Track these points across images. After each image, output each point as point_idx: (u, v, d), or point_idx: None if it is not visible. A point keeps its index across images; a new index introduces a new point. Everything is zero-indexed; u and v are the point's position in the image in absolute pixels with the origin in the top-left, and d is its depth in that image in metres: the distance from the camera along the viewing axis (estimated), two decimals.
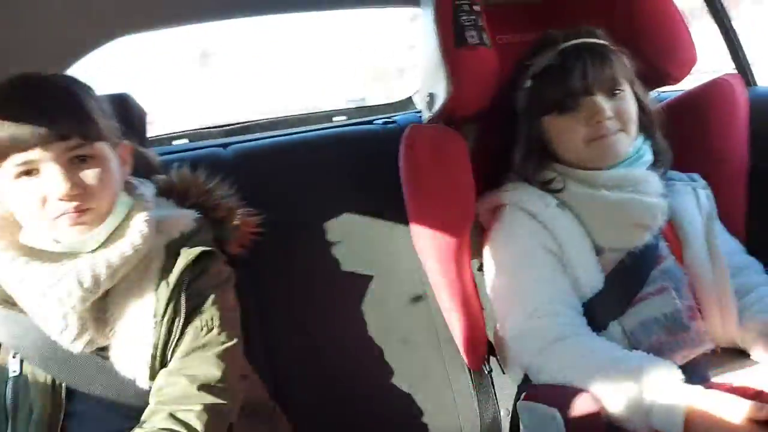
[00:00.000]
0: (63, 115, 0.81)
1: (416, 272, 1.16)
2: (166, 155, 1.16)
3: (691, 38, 1.20)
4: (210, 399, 0.83)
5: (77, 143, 0.82)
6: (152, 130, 1.17)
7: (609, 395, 0.86)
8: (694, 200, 1.10)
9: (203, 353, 0.86)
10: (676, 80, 1.22)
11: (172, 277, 0.86)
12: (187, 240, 0.90)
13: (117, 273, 0.84)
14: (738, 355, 1.02)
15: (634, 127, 1.06)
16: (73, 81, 0.88)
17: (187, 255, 0.88)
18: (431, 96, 1.14)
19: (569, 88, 1.02)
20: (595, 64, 1.02)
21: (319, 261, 1.23)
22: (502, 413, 1.19)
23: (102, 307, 0.86)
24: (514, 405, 1.02)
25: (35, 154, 0.80)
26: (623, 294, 1.00)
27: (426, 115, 1.19)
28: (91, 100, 0.86)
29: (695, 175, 1.14)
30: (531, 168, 1.08)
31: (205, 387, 0.83)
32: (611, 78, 1.03)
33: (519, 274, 1.02)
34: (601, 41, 1.06)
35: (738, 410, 0.78)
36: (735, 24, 1.40)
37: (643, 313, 0.99)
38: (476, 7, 1.10)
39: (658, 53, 1.17)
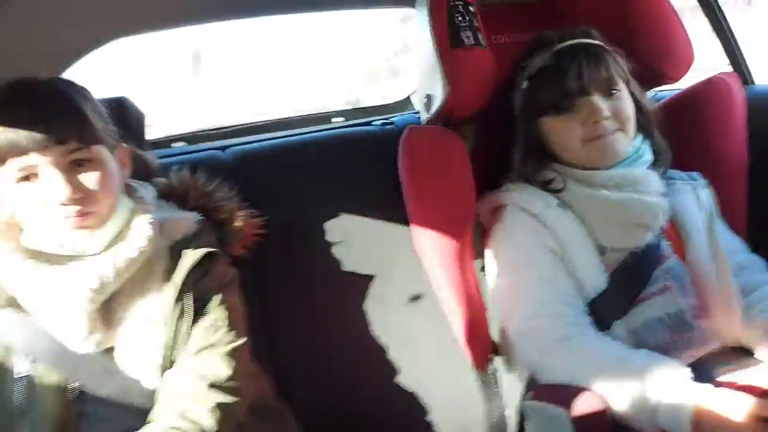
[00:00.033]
0: (60, 120, 0.82)
1: (418, 272, 1.16)
2: (164, 158, 1.16)
3: (688, 38, 1.20)
4: (220, 397, 0.84)
5: (75, 147, 0.83)
6: (148, 133, 1.17)
7: (615, 394, 0.87)
8: (695, 199, 1.10)
9: (212, 352, 0.87)
10: (673, 80, 1.23)
11: (178, 278, 0.87)
12: (190, 242, 0.91)
13: (122, 275, 0.85)
14: (743, 353, 1.02)
15: (631, 126, 1.06)
16: (70, 84, 0.89)
17: (191, 256, 0.89)
18: (429, 97, 1.15)
19: (565, 89, 1.02)
20: (590, 65, 1.03)
21: (320, 262, 1.23)
22: (507, 413, 1.19)
23: (108, 308, 0.87)
24: (520, 404, 1.03)
25: (33, 158, 0.80)
26: (626, 294, 1.01)
27: (424, 116, 1.19)
28: (88, 103, 0.87)
29: (695, 174, 1.14)
30: (530, 168, 1.08)
31: (214, 385, 0.85)
32: (607, 78, 1.04)
33: (521, 274, 1.03)
34: (597, 41, 1.07)
35: (745, 408, 0.78)
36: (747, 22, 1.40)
37: (646, 312, 1.00)
38: (471, 8, 1.11)
39: (654, 53, 1.18)
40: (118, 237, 0.86)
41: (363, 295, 1.23)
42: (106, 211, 0.86)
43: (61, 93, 0.85)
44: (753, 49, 1.44)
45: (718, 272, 1.03)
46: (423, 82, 1.17)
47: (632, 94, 1.08)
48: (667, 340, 0.98)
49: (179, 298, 0.87)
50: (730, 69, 1.43)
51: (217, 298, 0.89)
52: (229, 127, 1.52)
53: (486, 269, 1.12)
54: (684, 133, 1.17)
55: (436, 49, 1.09)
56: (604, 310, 0.99)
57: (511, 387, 1.15)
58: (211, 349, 0.87)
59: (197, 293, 0.88)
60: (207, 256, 0.90)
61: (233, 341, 0.88)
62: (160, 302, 0.87)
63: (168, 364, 0.87)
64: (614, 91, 1.04)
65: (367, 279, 1.24)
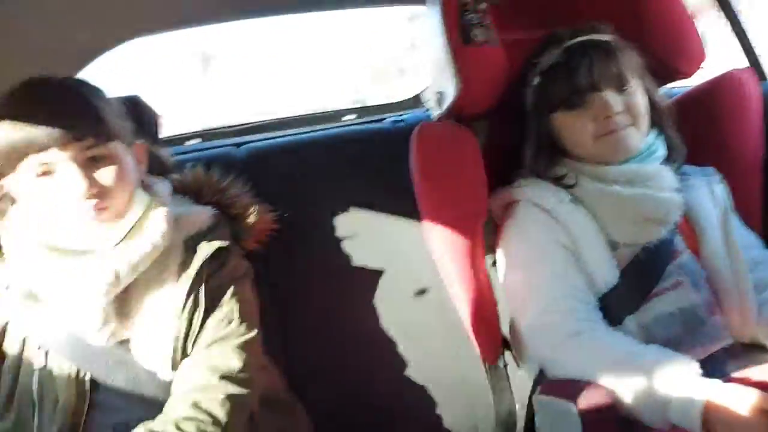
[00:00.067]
0: (77, 117, 0.84)
1: (429, 268, 1.17)
2: (179, 155, 1.18)
3: (698, 35, 1.19)
4: (231, 389, 0.86)
5: (92, 143, 0.85)
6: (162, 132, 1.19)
7: (625, 389, 0.87)
8: (710, 194, 1.09)
9: (224, 345, 0.88)
10: (686, 76, 1.22)
11: (192, 271, 0.89)
12: (204, 236, 0.93)
13: (137, 268, 0.86)
14: (757, 350, 1.01)
15: (644, 122, 1.06)
16: (84, 84, 0.91)
17: (205, 249, 0.90)
18: (440, 94, 1.15)
19: (575, 85, 1.03)
20: (601, 61, 1.03)
21: (333, 257, 1.25)
22: (517, 407, 1.19)
23: (124, 300, 0.88)
24: (530, 399, 1.03)
25: (51, 155, 0.82)
26: (638, 289, 1.00)
27: (435, 113, 1.20)
28: (102, 101, 0.89)
29: (710, 169, 1.13)
30: (542, 164, 1.08)
31: (226, 377, 0.86)
32: (618, 74, 1.03)
33: (533, 270, 1.03)
34: (608, 38, 1.07)
35: (756, 404, 0.78)
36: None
37: (658, 308, 0.99)
38: (482, 5, 1.11)
39: (666, 50, 1.17)
40: (134, 231, 0.88)
41: (375, 291, 1.25)
42: (123, 206, 0.88)
43: (77, 91, 0.87)
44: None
45: (732, 268, 1.02)
46: (434, 79, 1.18)
47: (646, 90, 1.07)
48: (679, 335, 0.97)
49: (193, 290, 0.88)
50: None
51: (230, 291, 0.91)
52: (243, 124, 1.55)
53: (497, 264, 1.12)
54: (699, 129, 1.16)
55: (448, 46, 1.09)
56: (616, 306, 0.99)
57: (521, 382, 1.16)
58: (223, 341, 0.89)
59: (211, 286, 0.90)
60: (221, 250, 0.91)
61: (245, 334, 0.90)
62: (174, 295, 0.88)
63: (181, 355, 0.89)
64: (626, 87, 1.04)
65: (379, 274, 1.25)
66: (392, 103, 1.68)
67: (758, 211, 1.18)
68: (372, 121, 1.51)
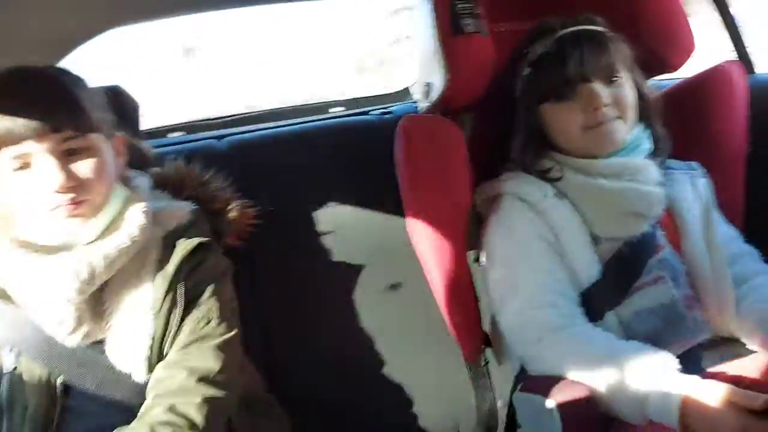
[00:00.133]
0: (55, 108, 0.82)
1: (412, 263, 1.16)
2: (160, 148, 1.17)
3: (689, 25, 1.20)
4: (209, 391, 0.84)
5: (70, 135, 0.83)
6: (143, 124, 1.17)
7: (604, 385, 0.87)
8: (692, 189, 1.10)
9: (202, 345, 0.87)
10: (675, 68, 1.22)
11: (170, 268, 0.87)
12: (184, 232, 0.91)
13: (114, 265, 0.85)
14: (735, 344, 1.02)
15: (632, 114, 1.06)
16: (65, 73, 0.89)
17: (184, 246, 0.89)
18: (428, 85, 1.15)
19: (566, 76, 1.02)
20: (592, 52, 1.02)
21: (316, 252, 1.24)
22: (499, 404, 1.20)
23: (99, 299, 0.87)
24: (511, 396, 1.04)
25: (28, 146, 0.81)
26: (620, 284, 1.01)
27: (423, 105, 1.19)
28: (83, 92, 0.87)
29: (694, 164, 1.14)
30: (529, 157, 1.08)
31: (204, 379, 0.84)
32: (608, 65, 1.03)
33: (515, 265, 1.03)
34: (599, 28, 1.07)
35: (733, 400, 0.78)
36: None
37: (639, 303, 1.00)
38: None
39: (657, 40, 1.17)
40: (112, 226, 0.87)
41: (357, 286, 1.24)
42: (100, 200, 0.86)
43: (57, 81, 0.85)
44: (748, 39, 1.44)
45: (712, 263, 1.03)
46: (423, 71, 1.17)
47: (634, 82, 1.07)
48: (659, 330, 0.98)
49: (170, 288, 0.87)
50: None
51: (209, 290, 0.89)
52: (226, 116, 1.53)
53: (481, 259, 1.12)
54: (685, 122, 1.17)
55: (437, 36, 1.08)
56: (598, 300, 0.99)
57: (502, 378, 1.16)
58: (201, 341, 0.87)
59: (189, 284, 0.88)
60: (200, 247, 0.90)
61: (224, 334, 0.88)
62: (151, 294, 0.87)
63: (157, 357, 0.87)
64: (615, 78, 1.04)
65: (362, 270, 1.25)
66: (380, 95, 1.67)
67: (740, 205, 1.19)
68: (359, 113, 1.50)
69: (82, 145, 0.84)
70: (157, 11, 1.34)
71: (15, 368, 0.86)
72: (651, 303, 0.99)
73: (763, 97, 1.25)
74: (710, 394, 0.80)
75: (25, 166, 0.82)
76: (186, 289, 0.88)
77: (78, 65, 1.21)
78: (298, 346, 1.20)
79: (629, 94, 1.05)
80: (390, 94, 1.66)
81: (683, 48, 1.19)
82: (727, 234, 1.10)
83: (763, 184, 1.19)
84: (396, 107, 1.49)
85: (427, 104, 1.16)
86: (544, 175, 1.07)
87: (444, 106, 1.14)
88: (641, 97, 1.08)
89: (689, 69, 1.24)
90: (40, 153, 0.81)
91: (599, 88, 1.02)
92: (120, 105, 1.04)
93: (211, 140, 1.33)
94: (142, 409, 0.84)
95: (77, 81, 0.88)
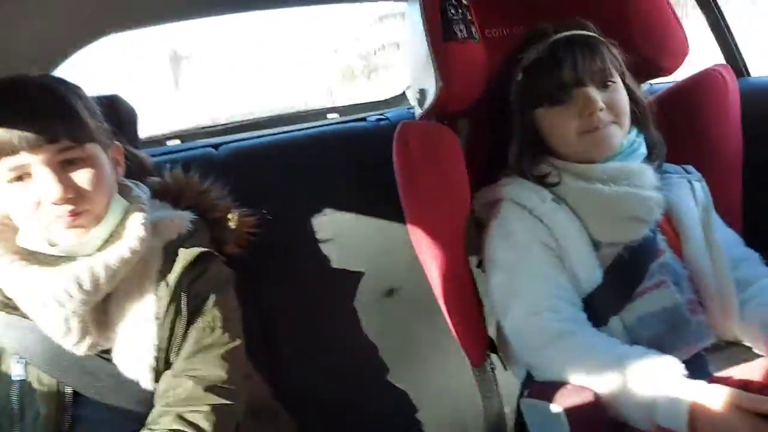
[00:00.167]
0: (52, 118, 0.81)
1: (413, 269, 1.17)
2: (157, 156, 1.17)
3: (683, 29, 1.21)
4: (217, 400, 0.85)
5: (67, 146, 0.82)
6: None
7: (612, 391, 0.87)
8: (690, 193, 1.10)
9: (207, 354, 0.87)
10: (668, 72, 1.23)
11: (172, 278, 0.87)
12: (184, 241, 0.91)
13: (116, 275, 0.85)
14: (740, 348, 1.02)
15: (626, 119, 1.06)
16: (62, 82, 0.88)
17: (185, 256, 0.89)
18: (422, 92, 1.15)
19: (560, 80, 1.03)
20: (585, 56, 1.03)
21: (315, 259, 1.24)
22: (506, 410, 1.20)
23: (103, 309, 0.87)
24: (518, 402, 1.03)
25: (24, 158, 0.80)
26: (622, 289, 1.01)
27: (418, 111, 1.19)
28: (80, 101, 0.86)
29: (690, 168, 1.14)
30: (526, 162, 1.08)
31: (211, 388, 0.85)
32: (602, 70, 1.04)
33: (517, 270, 1.03)
34: (592, 33, 1.07)
35: (742, 404, 0.78)
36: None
37: (642, 307, 1.00)
38: (464, 1, 1.11)
39: (649, 45, 1.18)
40: (112, 237, 0.86)
41: (359, 292, 1.24)
42: (100, 210, 0.86)
43: (53, 91, 0.84)
44: (758, 42, 1.44)
45: (714, 266, 1.03)
46: (416, 77, 1.18)
47: (627, 87, 1.08)
48: (663, 335, 0.98)
49: (174, 298, 0.87)
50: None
51: (212, 299, 0.89)
52: (223, 124, 1.53)
53: (483, 265, 1.12)
54: (679, 126, 1.18)
55: (429, 42, 1.09)
56: (601, 305, 1.00)
57: (509, 384, 1.16)
58: (206, 351, 0.87)
59: (192, 293, 0.88)
60: (201, 256, 0.90)
61: (229, 343, 0.89)
62: (154, 303, 0.87)
63: (164, 366, 0.87)
64: (609, 83, 1.05)
65: (363, 276, 1.25)
66: (376, 101, 1.67)
67: (738, 208, 1.19)
68: (355, 120, 1.50)
69: (80, 156, 0.84)
70: (151, 18, 1.34)
71: (25, 378, 0.85)
72: (654, 308, 0.99)
73: (754, 101, 1.26)
74: (718, 398, 0.80)
75: (22, 177, 0.81)
76: (189, 299, 0.87)
77: (66, 74, 1.21)
78: (302, 353, 1.19)
79: (623, 99, 1.06)
80: (386, 100, 1.67)
81: (676, 52, 1.20)
82: (727, 238, 1.10)
83: (758, 188, 1.20)
84: (392, 113, 1.50)
85: (422, 110, 1.17)
86: (541, 181, 1.07)
87: (439, 112, 1.15)
88: (635, 101, 1.09)
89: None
90: (37, 164, 0.80)
91: (593, 92, 1.02)
92: (117, 114, 1.03)
93: (209, 148, 1.32)
94: (150, 417, 0.84)
95: (74, 90, 0.87)
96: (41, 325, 0.85)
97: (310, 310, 1.22)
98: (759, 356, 0.98)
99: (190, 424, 0.82)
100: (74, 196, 0.82)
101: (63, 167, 0.83)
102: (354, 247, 1.25)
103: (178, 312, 0.87)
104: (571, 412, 0.86)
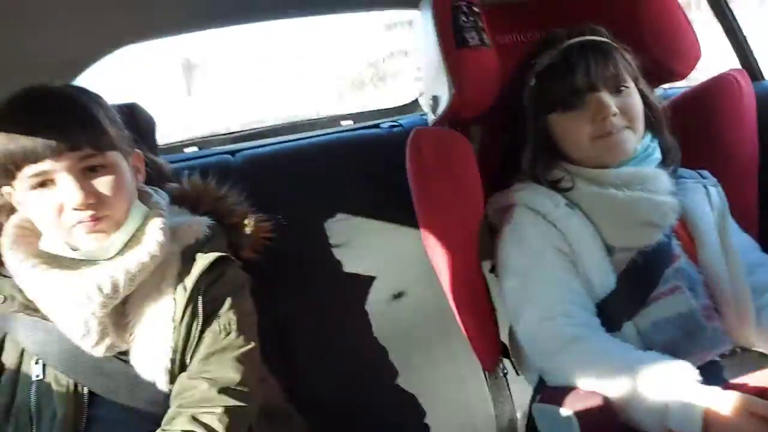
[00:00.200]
0: (74, 127, 0.83)
1: (427, 274, 1.17)
2: (176, 163, 1.19)
3: (695, 33, 1.20)
4: (230, 402, 0.85)
5: (89, 153, 0.84)
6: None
7: (625, 397, 0.87)
8: (706, 198, 1.10)
9: (222, 357, 0.88)
10: (681, 76, 1.23)
11: (189, 282, 0.89)
12: (202, 246, 0.93)
13: (135, 279, 0.86)
14: (756, 355, 1.01)
15: (640, 124, 1.06)
16: (83, 91, 0.91)
17: (203, 260, 0.90)
18: (435, 98, 1.16)
19: (573, 86, 1.03)
20: (598, 62, 1.03)
21: (329, 264, 1.25)
22: (518, 415, 1.20)
23: (122, 312, 0.89)
24: (530, 407, 1.03)
25: (47, 165, 0.82)
26: (636, 294, 1.00)
27: (431, 118, 1.20)
28: (102, 110, 0.88)
29: (705, 172, 1.14)
30: (540, 167, 1.08)
31: (225, 390, 0.86)
32: (615, 75, 1.04)
33: (530, 275, 1.03)
34: (605, 39, 1.07)
35: (757, 411, 0.78)
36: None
37: (656, 313, 0.99)
38: (475, 8, 1.11)
39: (662, 50, 1.18)
40: (132, 242, 0.88)
41: (372, 297, 1.25)
42: (120, 216, 0.87)
43: (75, 100, 0.87)
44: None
45: (730, 272, 1.02)
46: (429, 84, 1.18)
47: (641, 92, 1.08)
48: (678, 340, 0.97)
49: (191, 301, 0.88)
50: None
51: (227, 302, 0.91)
52: (240, 131, 1.55)
53: (496, 270, 1.12)
54: (694, 131, 1.17)
55: (441, 50, 1.09)
56: (614, 311, 0.99)
57: (521, 389, 1.16)
58: (221, 353, 0.88)
59: (209, 297, 0.90)
60: (219, 261, 0.91)
61: (243, 346, 0.90)
62: (171, 306, 0.88)
63: (179, 368, 0.88)
64: (623, 88, 1.05)
65: (377, 280, 1.25)
66: (389, 108, 1.68)
67: (754, 213, 1.18)
68: (369, 127, 1.52)
69: (101, 163, 0.86)
70: (170, 28, 1.36)
71: (42, 378, 0.87)
72: (669, 313, 0.99)
73: None
74: (733, 405, 0.79)
75: (45, 183, 0.83)
76: (205, 302, 0.89)
77: (82, 83, 1.24)
78: (316, 357, 1.20)
79: (637, 104, 1.06)
80: (399, 107, 1.68)
81: (688, 56, 1.20)
82: (743, 243, 1.09)
83: None
84: (405, 120, 1.51)
85: (435, 117, 1.17)
86: (555, 186, 1.07)
87: (452, 119, 1.15)
88: (649, 106, 1.09)
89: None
90: (60, 171, 0.83)
91: (607, 97, 1.02)
92: (137, 122, 1.05)
93: (226, 155, 1.35)
94: (165, 418, 0.85)
95: (96, 99, 0.90)
96: (61, 327, 0.87)
97: (324, 315, 1.23)
98: None
99: (203, 425, 0.83)
100: (95, 202, 0.84)
101: (85, 174, 0.85)
102: (368, 252, 1.26)
103: (194, 315, 0.88)
104: (582, 417, 0.86)
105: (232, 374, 0.87)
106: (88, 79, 1.28)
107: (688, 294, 1.00)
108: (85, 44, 1.24)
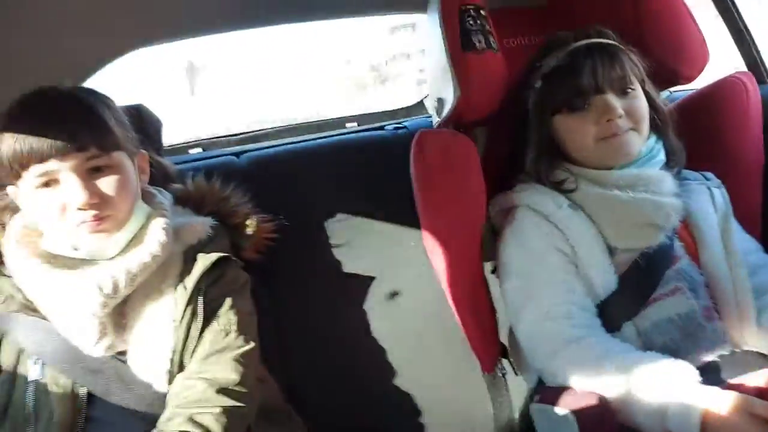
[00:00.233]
0: (80, 128, 0.85)
1: (428, 275, 1.17)
2: (181, 164, 1.20)
3: (702, 36, 1.20)
4: (228, 402, 0.85)
5: (94, 154, 0.85)
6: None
7: (624, 397, 0.87)
8: (709, 199, 1.09)
9: (221, 357, 0.88)
10: (688, 80, 1.22)
11: (190, 282, 0.89)
12: (204, 246, 0.93)
13: (136, 279, 0.87)
14: (756, 356, 1.00)
15: (645, 126, 1.06)
16: (91, 93, 0.92)
17: (204, 260, 0.91)
18: (440, 101, 1.16)
19: (579, 87, 1.03)
20: (605, 64, 1.03)
21: (332, 265, 1.26)
22: (516, 415, 1.20)
23: (121, 312, 0.89)
24: (529, 407, 1.03)
25: (53, 165, 0.83)
26: (637, 295, 1.00)
27: (436, 120, 1.20)
28: (108, 111, 0.90)
29: (709, 174, 1.14)
30: (543, 168, 1.08)
31: (223, 390, 0.86)
32: (622, 77, 1.04)
33: (532, 276, 1.03)
34: (612, 41, 1.07)
35: (756, 412, 0.77)
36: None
37: (657, 314, 0.99)
38: (483, 12, 1.12)
39: (668, 53, 1.18)
40: (134, 241, 0.89)
41: (373, 298, 1.25)
42: (123, 216, 0.88)
43: (82, 101, 0.88)
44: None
45: (731, 274, 1.02)
46: (434, 86, 1.19)
47: (647, 94, 1.08)
48: (678, 341, 0.97)
49: (191, 302, 0.89)
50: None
51: (228, 303, 0.91)
52: (245, 133, 1.56)
53: (498, 271, 1.12)
54: (699, 133, 1.16)
55: (448, 52, 1.10)
56: (615, 312, 0.99)
57: (520, 389, 1.16)
58: (220, 353, 0.88)
59: (209, 297, 0.90)
60: (220, 261, 0.92)
61: (243, 346, 0.90)
62: (171, 306, 0.89)
63: (178, 367, 0.89)
64: (629, 90, 1.05)
65: (379, 282, 1.26)
66: (394, 110, 1.69)
67: (758, 215, 1.18)
68: (373, 129, 1.52)
69: (107, 163, 0.87)
70: (179, 32, 1.38)
71: (41, 378, 0.88)
72: (669, 314, 0.99)
73: None
74: (732, 406, 0.79)
75: (49, 183, 0.85)
76: (206, 302, 0.89)
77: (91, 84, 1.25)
78: (315, 357, 1.21)
79: (642, 106, 1.06)
80: (404, 108, 1.69)
81: (695, 60, 1.19)
82: (746, 244, 1.09)
83: None
84: (410, 122, 1.51)
85: (440, 119, 1.18)
86: (558, 187, 1.07)
87: (457, 121, 1.16)
88: (655, 108, 1.09)
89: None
90: (65, 171, 0.84)
91: (613, 99, 1.02)
92: (143, 123, 1.07)
93: (231, 156, 1.36)
94: (162, 418, 0.85)
95: (103, 100, 0.91)
96: (59, 327, 0.88)
97: (324, 315, 1.23)
98: None
99: (200, 425, 0.82)
100: (99, 202, 0.85)
101: (90, 174, 0.86)
102: (368, 253, 1.27)
103: (194, 315, 0.89)
104: (581, 418, 0.86)
105: (230, 374, 0.87)
106: (93, 82, 1.29)
107: (689, 295, 1.00)
108: (94, 48, 1.25)
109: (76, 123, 0.85)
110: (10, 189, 0.89)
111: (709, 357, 0.98)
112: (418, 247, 1.17)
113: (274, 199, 1.11)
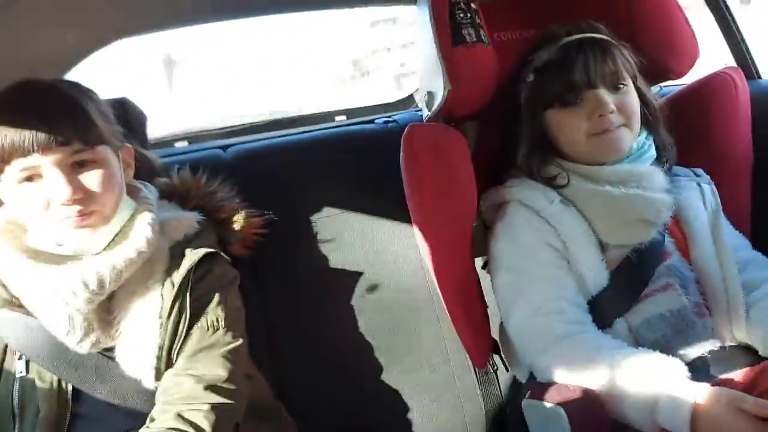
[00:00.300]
0: (63, 121, 0.83)
1: (419, 271, 1.17)
2: (166, 158, 1.18)
3: (693, 32, 1.21)
4: (217, 399, 0.85)
5: (78, 148, 0.84)
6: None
7: (614, 392, 0.88)
8: (699, 195, 1.11)
9: (209, 353, 0.88)
10: (679, 75, 1.23)
11: (177, 278, 0.89)
12: (190, 242, 0.92)
13: (122, 275, 0.86)
14: (746, 352, 1.02)
15: (637, 121, 1.07)
16: (74, 85, 0.90)
17: (191, 256, 0.90)
18: (430, 94, 1.15)
19: (571, 82, 1.03)
20: (597, 58, 1.03)
21: (321, 260, 1.25)
22: (508, 411, 1.21)
23: (107, 308, 0.88)
24: (520, 403, 1.04)
25: (36, 159, 0.82)
26: (628, 291, 1.01)
27: (426, 114, 1.20)
28: (92, 104, 0.88)
29: (699, 170, 1.15)
30: (535, 163, 1.09)
31: (211, 387, 0.85)
32: (614, 72, 1.04)
33: (522, 272, 1.03)
34: (604, 36, 1.08)
35: (745, 407, 0.78)
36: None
37: (648, 309, 1.00)
38: (473, 5, 1.11)
39: (659, 48, 1.18)
40: (119, 237, 0.88)
41: (364, 295, 1.25)
42: (108, 211, 0.87)
43: (65, 94, 0.86)
44: (753, 46, 1.45)
45: (721, 270, 1.03)
46: (425, 80, 1.18)
47: (638, 89, 1.08)
48: (668, 337, 0.98)
49: (178, 298, 0.88)
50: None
51: (216, 299, 0.90)
52: (231, 126, 1.54)
53: (488, 266, 1.12)
54: (688, 129, 1.17)
55: (438, 46, 1.09)
56: (606, 308, 1.00)
57: (512, 385, 1.17)
58: (209, 350, 0.88)
59: (196, 293, 0.89)
60: (207, 257, 0.91)
61: (231, 342, 0.89)
62: (159, 302, 0.88)
63: (165, 365, 0.88)
64: (621, 86, 1.05)
65: (369, 278, 1.26)
66: (384, 104, 1.68)
67: (747, 211, 1.20)
68: (363, 122, 1.51)
69: (91, 158, 0.86)
70: (161, 23, 1.36)
71: (26, 374, 0.87)
72: (660, 310, 1.00)
73: (765, 104, 1.26)
74: (721, 401, 0.80)
75: (32, 177, 0.83)
76: (193, 299, 0.89)
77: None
78: (304, 354, 1.20)
79: (634, 102, 1.06)
80: (394, 102, 1.68)
81: (685, 55, 1.20)
82: (735, 241, 1.10)
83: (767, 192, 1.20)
84: (400, 115, 1.51)
85: (430, 113, 1.17)
86: (550, 182, 1.07)
87: (447, 115, 1.15)
88: (646, 104, 1.09)
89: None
90: (48, 165, 0.82)
91: (605, 94, 1.03)
92: (127, 116, 1.05)
93: (217, 150, 1.34)
94: (150, 415, 0.85)
95: (87, 93, 0.89)
96: (45, 323, 0.87)
97: (314, 312, 1.23)
98: (764, 359, 0.98)
99: (189, 422, 0.82)
100: (83, 197, 0.84)
101: (73, 169, 0.84)
102: (360, 249, 1.26)
103: (181, 311, 0.88)
104: (572, 413, 0.87)
105: (219, 371, 0.87)
106: (71, 76, 1.27)
107: (679, 291, 1.01)
108: (75, 40, 1.23)
109: (58, 116, 0.83)
110: None
111: (699, 353, 0.99)
112: (408, 242, 1.17)
113: (262, 194, 1.10)
